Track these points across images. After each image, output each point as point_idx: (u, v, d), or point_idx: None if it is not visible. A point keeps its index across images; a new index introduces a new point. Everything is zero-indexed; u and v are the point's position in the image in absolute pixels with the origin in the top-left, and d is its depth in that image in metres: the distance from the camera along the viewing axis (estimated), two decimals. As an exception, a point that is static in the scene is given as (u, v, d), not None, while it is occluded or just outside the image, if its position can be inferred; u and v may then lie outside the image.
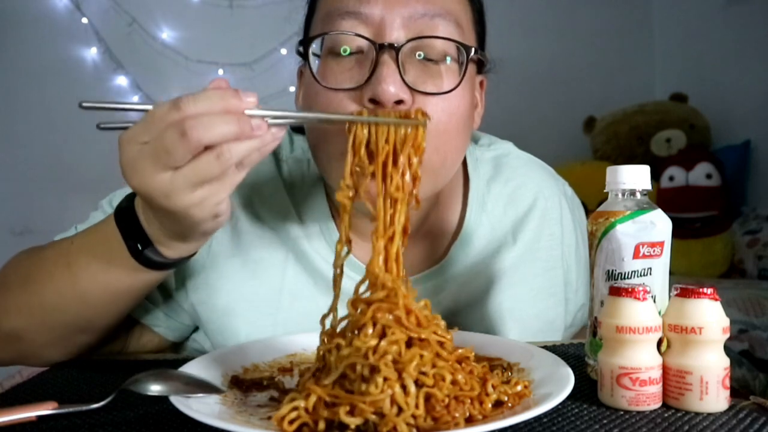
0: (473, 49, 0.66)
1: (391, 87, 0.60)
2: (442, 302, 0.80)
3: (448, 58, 0.65)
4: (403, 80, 0.62)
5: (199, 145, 0.49)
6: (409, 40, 0.63)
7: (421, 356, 0.51)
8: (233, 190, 0.53)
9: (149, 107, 0.52)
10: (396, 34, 0.63)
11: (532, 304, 0.82)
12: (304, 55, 0.68)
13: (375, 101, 0.61)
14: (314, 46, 0.67)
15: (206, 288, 0.77)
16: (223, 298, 0.76)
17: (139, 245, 0.60)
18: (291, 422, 0.47)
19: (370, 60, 0.63)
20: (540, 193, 0.85)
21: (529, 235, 0.83)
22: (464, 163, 0.83)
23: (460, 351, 0.56)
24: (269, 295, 0.76)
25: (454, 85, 0.65)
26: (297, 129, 0.85)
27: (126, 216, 0.61)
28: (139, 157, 0.51)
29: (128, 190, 0.66)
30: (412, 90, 0.63)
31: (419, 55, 0.65)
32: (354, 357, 0.50)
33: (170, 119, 0.49)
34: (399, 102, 0.62)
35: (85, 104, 0.51)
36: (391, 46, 0.62)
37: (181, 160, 0.50)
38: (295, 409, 0.48)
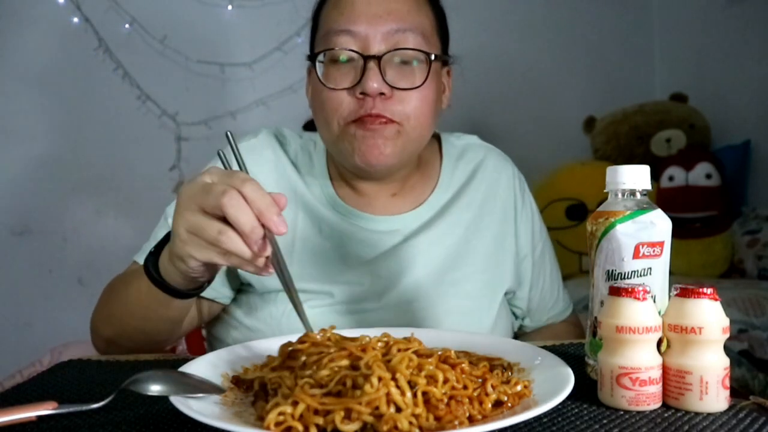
0: (434, 55, 0.89)
1: (375, 84, 0.84)
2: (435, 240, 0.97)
3: (416, 61, 0.88)
4: (384, 80, 0.85)
5: (219, 208, 0.61)
6: (387, 52, 0.86)
7: (410, 359, 0.52)
8: (204, 261, 0.65)
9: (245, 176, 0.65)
10: (377, 47, 0.86)
11: (490, 239, 1.00)
12: (313, 64, 0.91)
13: (365, 94, 0.85)
14: (320, 56, 0.90)
15: None
16: None
17: (152, 271, 0.75)
18: (278, 425, 0.47)
19: (360, 66, 0.86)
20: (495, 169, 1.05)
21: (485, 184, 1.04)
22: (440, 148, 1.06)
23: (439, 352, 0.57)
24: (285, 241, 0.92)
25: (421, 81, 0.87)
26: (307, 127, 1.07)
27: (153, 253, 0.77)
28: (198, 181, 0.65)
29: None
30: (392, 86, 0.86)
31: (396, 60, 0.87)
32: (343, 371, 0.51)
33: (235, 183, 0.62)
34: (382, 94, 0.85)
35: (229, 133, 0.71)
36: (374, 56, 0.85)
37: (206, 205, 0.62)
38: (281, 414, 0.48)
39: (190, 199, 0.64)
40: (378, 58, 0.85)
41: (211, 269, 0.71)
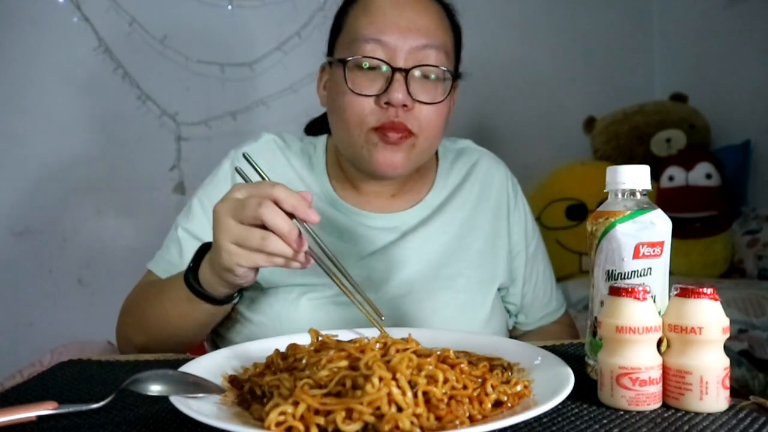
0: (453, 74, 0.94)
1: (401, 95, 0.88)
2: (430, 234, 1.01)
3: (434, 76, 0.92)
4: (409, 92, 0.89)
5: (258, 218, 0.68)
6: (414, 66, 0.90)
7: (410, 359, 0.52)
8: (250, 266, 0.72)
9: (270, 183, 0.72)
10: (404, 60, 0.90)
11: (483, 237, 1.04)
12: (341, 66, 0.92)
13: (389, 103, 0.88)
14: (348, 62, 0.92)
15: None
16: None
17: (192, 281, 0.82)
18: (278, 425, 0.47)
19: (386, 76, 0.90)
20: (489, 170, 1.10)
21: (479, 185, 1.08)
22: (436, 151, 1.09)
23: (438, 352, 0.57)
24: None
25: (441, 97, 0.93)
26: (309, 131, 1.17)
27: (192, 268, 0.83)
28: (230, 198, 0.72)
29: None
30: (414, 99, 0.90)
31: (417, 74, 0.91)
32: (342, 372, 0.51)
33: (266, 192, 0.69)
34: (404, 106, 0.88)
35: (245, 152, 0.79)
36: (402, 69, 0.89)
37: (245, 218, 0.69)
38: (282, 413, 0.48)
39: (227, 215, 0.71)
40: (406, 71, 0.89)
41: (255, 272, 0.76)
